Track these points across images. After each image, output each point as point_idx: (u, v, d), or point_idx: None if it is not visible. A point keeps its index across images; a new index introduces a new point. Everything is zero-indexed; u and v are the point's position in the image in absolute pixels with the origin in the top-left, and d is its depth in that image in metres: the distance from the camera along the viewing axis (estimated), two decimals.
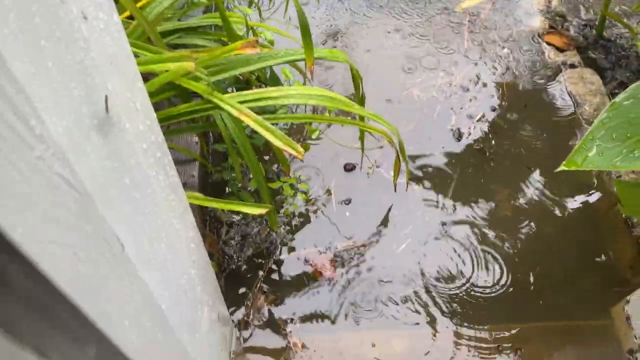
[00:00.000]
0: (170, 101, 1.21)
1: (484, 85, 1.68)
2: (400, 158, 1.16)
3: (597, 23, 1.82)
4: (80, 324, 0.33)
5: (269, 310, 1.25)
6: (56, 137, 0.35)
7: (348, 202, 1.42)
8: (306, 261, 1.32)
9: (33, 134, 0.31)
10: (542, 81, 1.70)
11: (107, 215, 0.43)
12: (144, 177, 0.58)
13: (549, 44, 1.80)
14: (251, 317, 1.24)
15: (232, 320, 1.22)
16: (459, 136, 1.56)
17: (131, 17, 1.02)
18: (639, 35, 1.79)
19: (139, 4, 1.01)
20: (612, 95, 1.64)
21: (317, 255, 1.33)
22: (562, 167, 0.99)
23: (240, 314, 1.24)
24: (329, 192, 1.44)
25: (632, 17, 1.87)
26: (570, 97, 1.65)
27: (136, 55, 0.91)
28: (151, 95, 0.90)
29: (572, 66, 1.73)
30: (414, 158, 1.52)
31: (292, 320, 1.23)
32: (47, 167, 0.33)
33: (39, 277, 0.28)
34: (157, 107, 1.01)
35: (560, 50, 1.78)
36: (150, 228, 0.59)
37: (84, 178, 0.39)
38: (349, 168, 1.49)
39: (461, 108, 1.62)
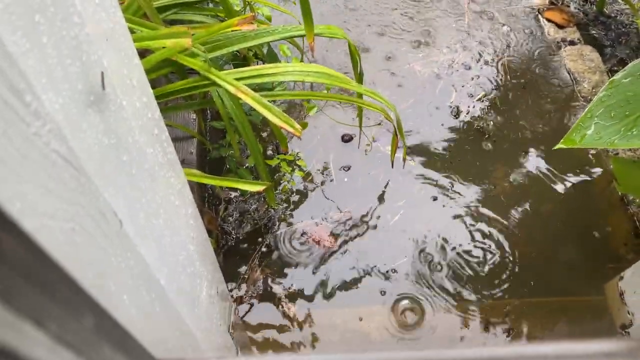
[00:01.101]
0: (167, 78, 1.20)
1: (486, 63, 1.67)
2: (398, 135, 1.16)
3: None
4: (79, 297, 0.33)
5: (267, 285, 1.26)
6: (52, 113, 0.35)
7: (347, 168, 1.44)
8: (304, 234, 1.34)
9: (29, 110, 0.32)
10: (541, 59, 1.69)
11: (104, 191, 0.44)
12: (141, 154, 0.58)
13: (548, 20, 1.78)
14: (249, 291, 1.25)
15: (231, 296, 1.24)
16: (457, 114, 1.55)
17: None
18: None
19: None
20: (611, 72, 1.63)
21: (314, 227, 1.35)
22: (560, 145, 1.00)
23: (238, 289, 1.26)
24: (325, 166, 1.45)
25: None
26: (569, 75, 1.64)
27: (132, 32, 0.91)
28: (148, 71, 0.90)
29: (572, 43, 1.71)
30: (412, 133, 1.52)
31: (289, 294, 1.25)
32: (43, 143, 0.33)
33: (37, 250, 0.28)
34: (154, 83, 1.01)
35: (560, 27, 1.76)
36: (148, 204, 0.59)
37: (81, 154, 0.39)
38: (347, 139, 1.50)
39: (462, 86, 1.62)
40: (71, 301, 0.31)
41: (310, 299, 1.25)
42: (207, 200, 1.38)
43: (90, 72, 0.45)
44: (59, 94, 0.37)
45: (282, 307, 1.23)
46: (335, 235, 1.34)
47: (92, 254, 0.39)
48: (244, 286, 1.26)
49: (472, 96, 1.59)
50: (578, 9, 1.81)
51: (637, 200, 1.35)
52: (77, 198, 0.37)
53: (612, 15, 1.78)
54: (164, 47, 0.85)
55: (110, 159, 0.49)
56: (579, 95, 1.59)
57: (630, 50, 1.68)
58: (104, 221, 0.43)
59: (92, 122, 0.45)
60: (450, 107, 1.57)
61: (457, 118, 1.55)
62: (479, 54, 1.69)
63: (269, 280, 1.27)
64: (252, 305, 1.24)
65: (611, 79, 1.01)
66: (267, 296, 1.25)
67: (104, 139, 0.47)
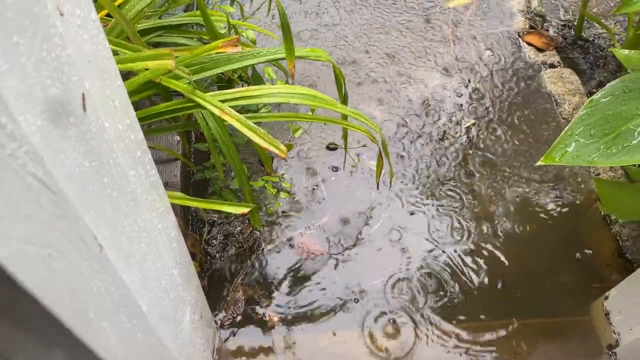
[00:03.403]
0: (151, 100, 1.20)
1: (473, 89, 1.70)
2: (383, 156, 1.16)
3: (575, 24, 1.85)
4: (54, 328, 0.32)
5: (252, 308, 1.24)
6: (29, 135, 0.34)
7: (336, 169, 1.48)
8: (291, 246, 1.33)
9: (4, 131, 0.31)
10: (523, 82, 1.72)
11: (84, 215, 0.43)
12: (123, 177, 0.57)
13: (529, 44, 1.82)
14: (233, 315, 1.23)
15: (215, 320, 1.21)
16: (443, 137, 1.57)
17: (110, 15, 1.01)
18: (617, 36, 1.82)
19: (117, 2, 1.00)
20: (590, 94, 1.66)
21: (300, 238, 1.36)
22: (540, 162, 1.00)
23: (222, 313, 1.23)
24: (313, 181, 1.46)
25: (609, 18, 1.90)
26: (550, 97, 1.67)
27: (115, 54, 0.90)
28: (131, 93, 0.89)
29: (552, 66, 1.75)
30: (398, 153, 1.52)
31: (274, 316, 1.23)
32: (19, 165, 0.32)
33: (8, 279, 0.27)
34: (137, 106, 1.00)
35: (539, 50, 1.80)
36: (130, 228, 0.58)
37: (60, 177, 0.38)
38: (332, 147, 1.54)
39: (452, 112, 1.64)
40: (45, 333, 0.30)
41: (296, 321, 1.23)
42: (190, 222, 1.36)
43: (71, 94, 0.44)
44: (38, 116, 0.37)
45: (267, 330, 1.21)
46: (322, 243, 1.34)
47: (70, 280, 0.38)
48: (228, 310, 1.24)
49: (460, 122, 1.60)
50: (557, 33, 1.85)
51: (620, 221, 1.36)
52: (54, 222, 0.36)
53: (590, 39, 1.83)
54: (147, 69, 0.85)
55: (91, 181, 0.48)
56: (560, 116, 1.62)
57: (608, 74, 1.72)
58: (84, 246, 0.42)
59: (72, 144, 0.44)
60: (438, 130, 1.58)
61: (443, 141, 1.56)
62: (468, 80, 1.71)
63: (254, 303, 1.25)
64: (236, 329, 1.21)
65: (590, 98, 1.02)
66: (252, 319, 1.23)
67: (84, 161, 0.46)
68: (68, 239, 0.38)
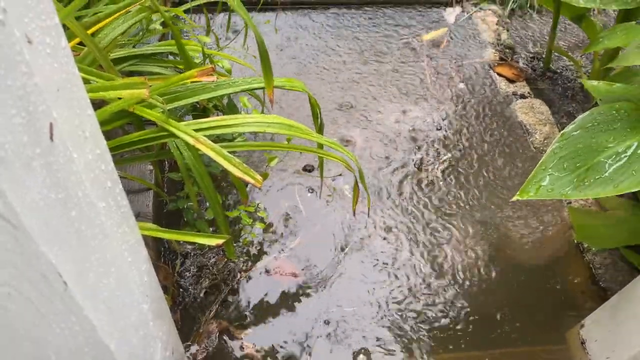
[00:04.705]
0: (124, 129, 1.18)
1: (450, 122, 1.72)
2: (359, 184, 1.16)
3: (544, 56, 1.90)
4: None
5: (227, 342, 1.20)
6: None
7: (312, 190, 1.49)
8: (267, 272, 1.31)
9: None
10: (496, 112, 1.75)
11: (48, 251, 0.40)
12: (92, 209, 0.54)
13: (500, 75, 1.86)
14: (207, 350, 1.19)
15: (188, 355, 1.17)
16: (420, 166, 1.58)
17: (83, 44, 1.00)
18: (583, 68, 1.87)
19: (90, 31, 0.99)
20: (560, 124, 1.70)
21: (275, 262, 1.34)
22: (516, 197, 1.01)
23: (195, 346, 1.19)
24: (288, 209, 1.45)
25: (576, 50, 1.97)
26: (522, 126, 1.70)
27: (87, 82, 0.88)
28: (103, 123, 0.87)
29: (523, 97, 1.79)
30: (375, 181, 1.52)
31: (252, 347, 1.19)
32: None
33: None
34: (110, 135, 0.98)
35: (510, 81, 1.85)
36: (98, 262, 0.55)
37: (22, 211, 0.36)
38: (309, 169, 1.55)
39: (428, 142, 1.65)
40: None
41: (274, 350, 1.19)
42: (163, 254, 1.33)
43: (38, 123, 0.43)
44: (0, 147, 0.35)
45: None
46: (297, 267, 1.33)
47: (28, 322, 0.35)
48: (201, 343, 1.20)
49: (436, 152, 1.62)
50: (526, 65, 1.90)
51: (593, 249, 1.38)
52: (13, 259, 0.34)
53: (558, 71, 1.88)
54: (120, 98, 0.83)
55: (57, 215, 0.46)
56: (531, 145, 1.65)
57: (576, 104, 1.77)
58: (46, 284, 0.39)
59: (37, 176, 0.42)
60: (415, 161, 1.59)
61: (420, 171, 1.57)
62: (443, 111, 1.73)
63: (229, 335, 1.21)
64: None
65: (562, 132, 1.04)
66: (227, 352, 1.19)
67: (50, 193, 0.44)
68: (27, 277, 0.36)
